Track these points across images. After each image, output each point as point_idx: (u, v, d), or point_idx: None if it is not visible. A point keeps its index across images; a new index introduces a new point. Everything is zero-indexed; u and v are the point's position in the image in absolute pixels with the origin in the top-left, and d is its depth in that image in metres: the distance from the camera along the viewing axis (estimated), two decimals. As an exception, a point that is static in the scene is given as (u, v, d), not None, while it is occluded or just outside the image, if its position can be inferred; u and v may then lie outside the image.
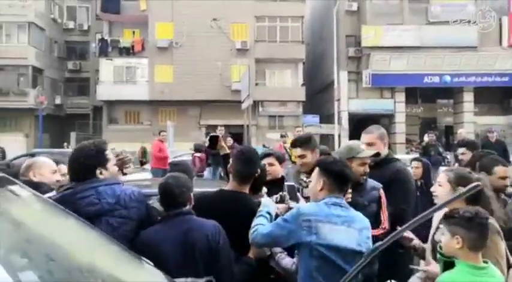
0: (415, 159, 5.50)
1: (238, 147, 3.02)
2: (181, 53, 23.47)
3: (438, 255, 2.00)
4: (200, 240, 2.01)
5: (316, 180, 2.15)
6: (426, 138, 10.73)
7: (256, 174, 2.41)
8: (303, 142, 2.89)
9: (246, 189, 2.39)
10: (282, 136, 9.74)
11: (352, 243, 1.97)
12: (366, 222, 2.11)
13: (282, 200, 2.60)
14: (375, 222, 2.48)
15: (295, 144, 2.95)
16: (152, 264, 1.52)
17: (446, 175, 2.33)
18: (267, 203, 2.28)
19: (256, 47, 23.91)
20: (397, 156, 3.64)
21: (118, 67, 24.35)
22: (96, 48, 24.65)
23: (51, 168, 2.88)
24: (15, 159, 14.57)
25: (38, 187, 2.38)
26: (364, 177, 2.65)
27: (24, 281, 1.02)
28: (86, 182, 2.13)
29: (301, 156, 2.82)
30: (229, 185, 2.42)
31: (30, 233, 1.33)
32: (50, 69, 27.25)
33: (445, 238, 1.91)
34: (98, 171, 2.18)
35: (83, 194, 2.07)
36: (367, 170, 2.67)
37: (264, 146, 13.66)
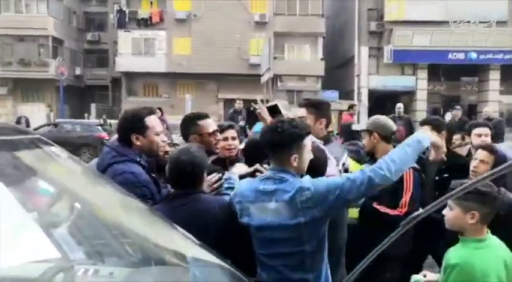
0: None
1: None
2: (200, 25, 23.20)
3: None
4: (208, 222, 1.86)
5: None
6: (450, 115, 9.97)
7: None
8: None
9: None
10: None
11: (284, 218, 1.82)
12: (302, 182, 1.82)
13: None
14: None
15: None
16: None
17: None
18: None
19: (275, 20, 23.44)
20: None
21: (136, 39, 24.30)
22: (115, 20, 24.56)
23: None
24: (38, 128, 14.93)
25: None
26: None
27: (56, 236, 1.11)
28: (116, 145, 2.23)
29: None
30: None
31: (62, 189, 1.41)
32: (69, 40, 27.39)
33: (454, 213, 1.88)
34: (133, 137, 2.16)
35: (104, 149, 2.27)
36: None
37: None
